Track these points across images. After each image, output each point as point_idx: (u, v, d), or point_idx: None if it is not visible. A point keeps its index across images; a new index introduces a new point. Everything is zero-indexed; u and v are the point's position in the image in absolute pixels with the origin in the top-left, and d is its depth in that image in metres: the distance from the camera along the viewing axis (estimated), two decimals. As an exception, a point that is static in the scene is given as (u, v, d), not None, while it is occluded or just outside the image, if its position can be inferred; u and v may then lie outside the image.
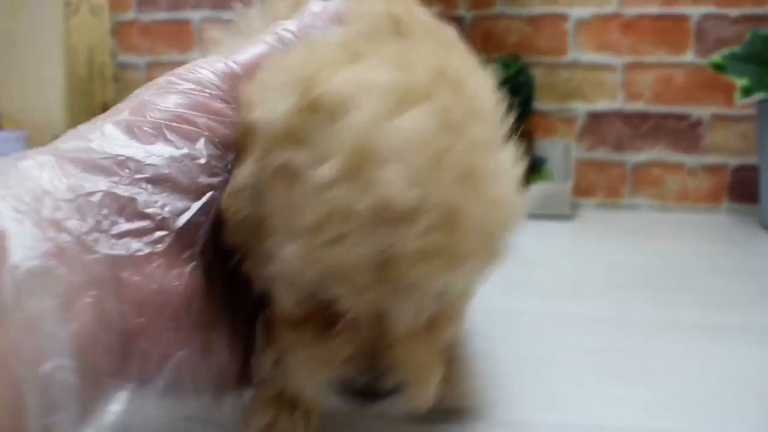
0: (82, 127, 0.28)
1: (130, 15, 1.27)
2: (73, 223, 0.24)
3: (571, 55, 1.12)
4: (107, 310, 0.23)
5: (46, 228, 0.23)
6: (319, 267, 0.24)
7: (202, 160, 0.28)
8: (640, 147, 1.12)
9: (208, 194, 0.28)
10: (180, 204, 0.27)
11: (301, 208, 0.24)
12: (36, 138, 1.08)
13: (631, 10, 1.10)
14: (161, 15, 1.25)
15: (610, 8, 1.11)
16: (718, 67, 0.97)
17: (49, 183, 0.24)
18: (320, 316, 0.27)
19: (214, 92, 0.29)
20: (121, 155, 0.26)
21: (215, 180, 0.28)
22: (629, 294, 0.64)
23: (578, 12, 1.11)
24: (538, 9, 1.12)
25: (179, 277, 0.26)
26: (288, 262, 0.25)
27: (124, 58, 1.28)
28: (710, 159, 1.10)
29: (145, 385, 0.25)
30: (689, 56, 1.09)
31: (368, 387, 0.27)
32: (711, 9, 1.08)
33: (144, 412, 0.26)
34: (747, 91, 0.94)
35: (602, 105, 1.12)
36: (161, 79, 0.30)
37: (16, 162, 0.25)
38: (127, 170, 0.26)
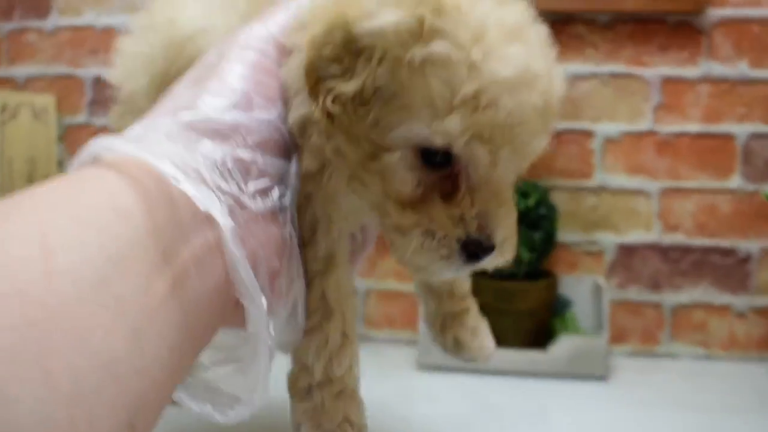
0: (183, 93, 0.35)
1: (81, 118, 1.05)
2: (225, 186, 0.31)
3: (597, 178, 0.94)
4: (260, 257, 0.33)
5: (215, 192, 0.31)
6: (472, 130, 0.32)
7: (284, 123, 0.36)
8: (679, 286, 0.94)
9: (295, 155, 0.36)
10: (281, 162, 0.35)
11: (457, 86, 0.32)
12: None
13: (668, 128, 0.93)
14: (107, 120, 1.04)
15: (643, 125, 0.93)
16: (777, 201, 0.80)
17: (191, 153, 0.31)
18: (437, 191, 0.35)
19: (271, 57, 0.36)
20: (232, 122, 0.33)
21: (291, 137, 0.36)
22: None
23: (606, 128, 0.94)
24: (558, 124, 0.94)
25: (286, 227, 0.35)
26: (445, 132, 0.32)
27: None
28: (762, 300, 0.93)
29: (277, 314, 0.35)
30: (736, 181, 0.92)
31: (485, 244, 0.35)
32: (760, 127, 0.92)
33: (278, 335, 0.36)
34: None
35: (635, 236, 0.95)
36: (228, 49, 0.36)
37: (148, 128, 0.32)
38: (239, 136, 0.33)
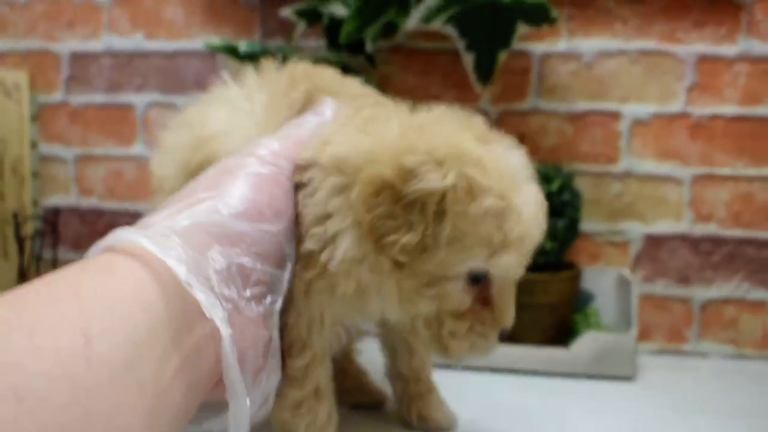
0: (203, 195, 0.39)
1: (57, 96, 0.99)
2: (227, 292, 0.36)
3: (624, 164, 0.88)
4: (248, 356, 0.37)
5: (219, 299, 0.36)
6: (516, 262, 0.44)
7: (288, 234, 0.42)
8: (710, 280, 0.88)
9: (289, 265, 0.42)
10: (276, 271, 0.40)
11: (509, 230, 0.42)
12: None
13: (702, 110, 0.86)
14: (97, 97, 0.97)
15: (675, 106, 0.86)
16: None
17: (202, 256, 0.36)
18: (478, 302, 0.45)
19: (285, 173, 0.42)
20: (240, 231, 0.38)
21: (292, 249, 0.43)
22: None
23: (634, 110, 0.87)
24: (582, 104, 0.88)
25: (274, 329, 0.41)
26: (505, 266, 0.43)
27: (49, 148, 1.00)
28: (799, 296, 0.87)
29: (254, 402, 0.39)
30: (775, 168, 0.86)
31: (505, 330, 0.47)
32: (803, 110, 0.85)
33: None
34: None
35: (663, 226, 0.88)
36: (248, 159, 0.42)
37: (168, 224, 0.37)
38: (245, 244, 0.38)
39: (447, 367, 0.78)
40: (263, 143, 0.43)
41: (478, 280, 0.44)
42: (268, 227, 0.40)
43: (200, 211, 0.37)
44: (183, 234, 0.36)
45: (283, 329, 0.45)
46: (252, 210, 0.39)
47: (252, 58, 0.81)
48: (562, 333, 0.83)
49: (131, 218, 0.98)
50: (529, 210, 0.42)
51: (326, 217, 0.42)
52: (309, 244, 0.43)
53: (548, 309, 0.82)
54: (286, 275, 0.42)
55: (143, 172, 0.97)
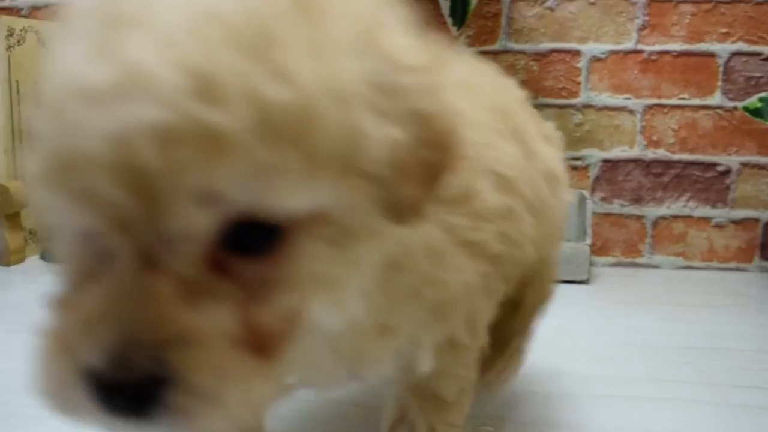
0: None
1: None
2: None
3: (583, 97, 0.99)
4: None
5: None
6: (47, 171, 0.22)
7: None
8: (661, 199, 0.99)
9: None
10: None
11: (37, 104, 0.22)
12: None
13: (652, 47, 0.97)
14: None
15: (628, 44, 0.97)
16: (755, 113, 0.85)
17: None
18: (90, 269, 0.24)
19: None
20: None
21: None
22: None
23: (592, 48, 0.98)
24: (546, 44, 0.99)
25: None
26: (30, 177, 0.22)
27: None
28: (740, 213, 0.98)
29: None
30: (717, 98, 0.97)
31: (111, 374, 0.21)
32: (741, 45, 0.96)
33: None
34: (789, 143, 0.82)
35: (619, 152, 0.99)
36: None
37: None
38: None
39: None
40: None
41: None
42: None
43: None
44: None
45: None
46: None
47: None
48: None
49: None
50: (96, 71, 0.20)
51: None
52: None
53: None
54: None
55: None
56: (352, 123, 0.22)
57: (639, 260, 1.00)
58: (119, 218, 0.21)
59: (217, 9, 0.21)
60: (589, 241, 0.90)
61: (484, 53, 1.01)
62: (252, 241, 0.22)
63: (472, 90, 0.38)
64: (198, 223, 0.21)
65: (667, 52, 0.97)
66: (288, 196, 0.21)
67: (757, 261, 0.98)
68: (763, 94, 0.85)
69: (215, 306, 0.21)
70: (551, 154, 0.48)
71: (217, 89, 0.20)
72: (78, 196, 0.21)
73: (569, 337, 0.71)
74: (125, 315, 0.21)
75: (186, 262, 0.21)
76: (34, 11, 1.11)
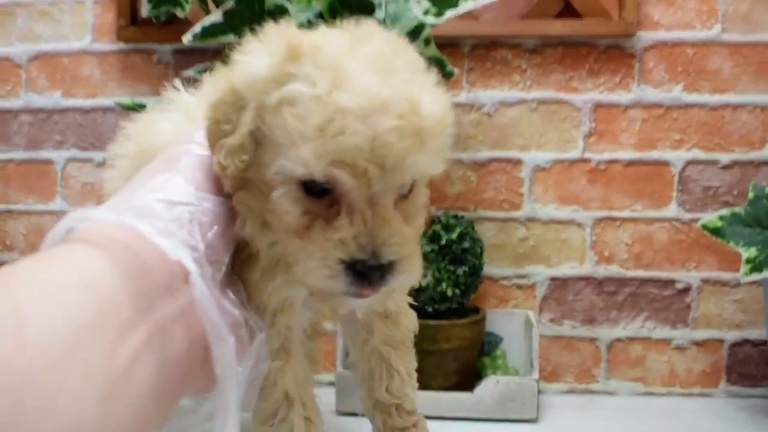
0: (156, 176, 0.40)
1: None
2: (192, 241, 0.37)
3: (527, 209, 0.90)
4: (221, 305, 0.38)
5: (184, 245, 0.36)
6: (327, 157, 0.35)
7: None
8: (616, 320, 0.90)
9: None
10: (229, 240, 0.41)
11: (307, 118, 0.35)
12: None
13: (600, 155, 0.89)
14: (16, 154, 0.99)
15: (574, 152, 0.89)
16: (716, 232, 0.76)
17: (176, 224, 0.37)
18: (322, 218, 0.37)
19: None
20: (205, 205, 0.39)
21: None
22: None
23: (535, 157, 0.90)
24: (485, 153, 0.90)
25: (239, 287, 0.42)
26: (303, 162, 0.35)
27: (-29, 205, 1.01)
28: (703, 333, 0.89)
29: (242, 362, 0.39)
30: (672, 210, 0.88)
31: (370, 262, 0.36)
32: (696, 153, 0.88)
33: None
34: (756, 266, 0.73)
35: (568, 269, 0.90)
36: (185, 148, 0.42)
37: (124, 198, 0.38)
38: (209, 216, 0.39)
39: (345, 414, 0.80)
40: (201, 132, 0.42)
41: (318, 192, 0.37)
42: (219, 198, 0.40)
43: (157, 189, 0.38)
44: (139, 202, 0.37)
45: None
46: (202, 184, 0.39)
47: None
48: (468, 377, 0.85)
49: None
50: (348, 100, 0.34)
51: None
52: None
53: (452, 354, 0.83)
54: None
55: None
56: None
57: (593, 386, 0.91)
58: (367, 180, 0.35)
59: (393, 61, 0.37)
60: (536, 375, 0.80)
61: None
62: (405, 190, 0.39)
63: None
64: (405, 181, 0.38)
65: (616, 161, 0.89)
66: (436, 168, 0.38)
67: (723, 385, 0.89)
68: (723, 212, 0.76)
69: (403, 224, 0.38)
70: None
71: (418, 107, 0.36)
72: (348, 167, 0.35)
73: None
74: (374, 231, 0.36)
75: (390, 204, 0.38)
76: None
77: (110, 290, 0.30)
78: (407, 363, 0.53)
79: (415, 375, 0.54)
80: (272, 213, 0.38)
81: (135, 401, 0.29)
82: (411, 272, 0.38)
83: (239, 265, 0.42)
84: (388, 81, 0.36)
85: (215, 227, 0.39)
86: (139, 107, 0.83)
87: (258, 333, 0.41)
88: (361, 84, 0.35)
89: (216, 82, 0.47)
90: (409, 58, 0.39)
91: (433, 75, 0.39)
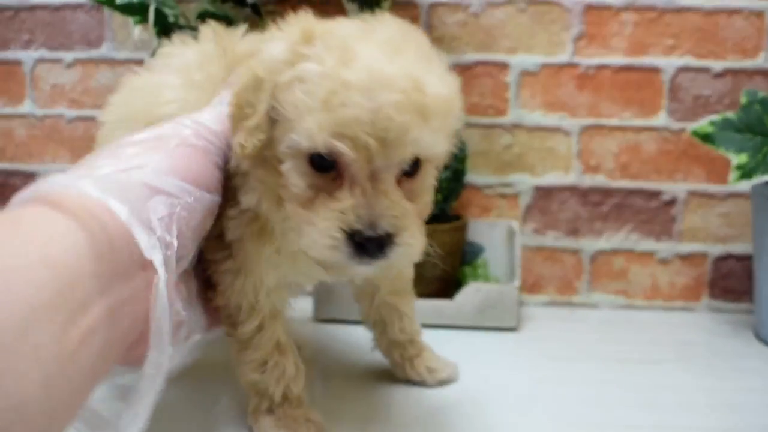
0: (137, 152, 0.40)
1: None
2: (167, 237, 0.37)
3: (512, 115, 0.87)
4: (173, 308, 0.38)
5: (159, 241, 0.36)
6: (329, 129, 0.37)
7: (213, 208, 0.43)
8: (600, 231, 0.88)
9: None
10: (197, 237, 0.42)
11: (314, 92, 0.37)
12: None
13: (590, 60, 0.86)
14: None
15: (562, 56, 0.86)
16: (706, 138, 0.74)
17: (143, 202, 0.36)
18: (326, 191, 0.39)
19: (217, 151, 0.43)
20: (179, 188, 0.39)
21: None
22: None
23: (522, 60, 0.86)
24: (470, 55, 0.87)
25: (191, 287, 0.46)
26: (308, 134, 0.37)
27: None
28: (687, 247, 0.87)
29: (172, 359, 0.38)
30: (661, 119, 0.86)
31: (367, 233, 0.38)
32: (688, 60, 0.85)
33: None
34: (746, 173, 0.71)
35: (552, 178, 0.88)
36: (179, 131, 0.42)
37: (92, 168, 0.38)
38: (182, 199, 0.39)
39: (333, 321, 0.78)
40: (200, 118, 0.44)
41: (325, 166, 0.40)
42: (202, 193, 0.41)
43: (136, 167, 0.38)
44: (123, 180, 0.36)
45: (229, 297, 0.48)
46: (188, 175, 0.40)
47: (129, 9, 0.79)
48: (449, 285, 0.83)
49: (24, 178, 0.96)
50: (352, 75, 0.37)
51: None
52: (243, 204, 0.45)
53: (432, 261, 0.81)
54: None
55: (34, 130, 0.94)
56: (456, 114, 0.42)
57: (575, 299, 0.89)
58: (367, 154, 0.38)
59: (401, 45, 0.40)
60: (517, 282, 0.79)
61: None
62: (410, 169, 0.41)
63: None
64: (406, 157, 0.39)
65: (606, 66, 0.85)
66: (440, 146, 0.40)
67: (705, 300, 0.88)
68: (714, 117, 0.74)
69: (404, 200, 0.40)
70: None
71: (422, 85, 0.38)
72: (348, 139, 0.37)
73: (494, 393, 0.62)
74: (372, 203, 0.38)
75: (391, 179, 0.40)
76: None
77: (71, 270, 0.30)
78: (411, 304, 0.62)
79: (415, 310, 0.62)
80: (284, 188, 0.41)
81: (77, 381, 0.30)
82: (410, 246, 0.40)
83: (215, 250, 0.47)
84: (394, 60, 0.38)
85: (191, 223, 0.39)
86: (109, 3, 0.79)
87: (193, 335, 0.43)
88: (366, 61, 0.37)
89: (223, 47, 0.51)
90: (419, 43, 0.41)
91: (443, 60, 0.42)
